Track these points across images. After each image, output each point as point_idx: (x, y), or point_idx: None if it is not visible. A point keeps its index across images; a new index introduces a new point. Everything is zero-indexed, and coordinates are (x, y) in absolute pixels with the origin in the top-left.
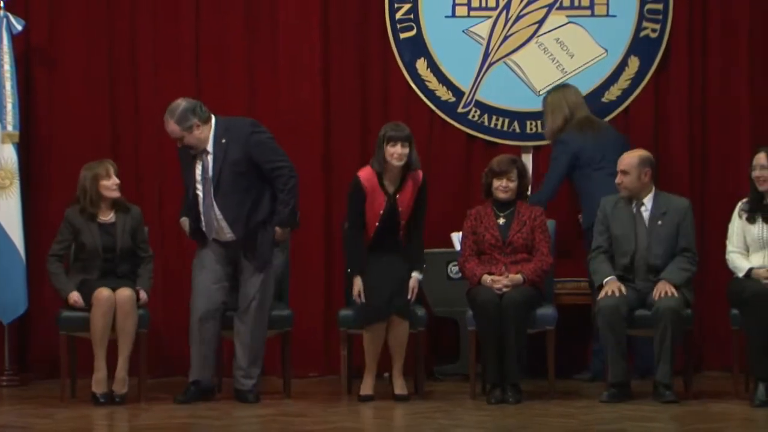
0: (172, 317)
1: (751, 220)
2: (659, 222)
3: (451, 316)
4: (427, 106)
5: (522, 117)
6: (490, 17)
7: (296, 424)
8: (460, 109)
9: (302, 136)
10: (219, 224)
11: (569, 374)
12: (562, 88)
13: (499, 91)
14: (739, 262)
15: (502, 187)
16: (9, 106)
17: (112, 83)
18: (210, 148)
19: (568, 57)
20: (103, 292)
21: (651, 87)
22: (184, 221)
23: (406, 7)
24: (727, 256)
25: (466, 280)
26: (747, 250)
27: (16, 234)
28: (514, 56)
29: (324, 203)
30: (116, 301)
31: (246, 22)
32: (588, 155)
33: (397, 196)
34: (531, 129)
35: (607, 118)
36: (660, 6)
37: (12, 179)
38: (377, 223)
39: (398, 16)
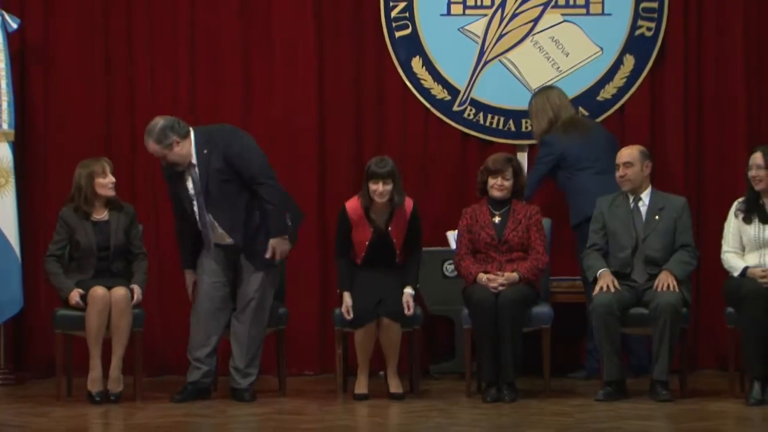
0: (167, 316)
1: (747, 220)
2: (657, 216)
3: (446, 314)
4: (423, 104)
5: (517, 115)
6: (485, 15)
7: (292, 422)
8: (455, 108)
9: (297, 134)
10: (217, 233)
11: (564, 373)
12: (545, 90)
13: (494, 90)
14: (734, 261)
15: (497, 185)
16: (4, 105)
17: (108, 82)
18: (194, 160)
19: (564, 55)
20: (98, 291)
21: (646, 85)
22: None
23: (402, 5)
24: (722, 256)
25: (462, 278)
26: (742, 250)
27: (11, 233)
28: (509, 55)
29: (318, 202)
30: (111, 300)
31: (241, 20)
32: (574, 155)
33: (389, 228)
34: (526, 127)
35: (602, 117)
36: (655, 4)
37: (7, 178)
38: (364, 253)
39: (393, 14)
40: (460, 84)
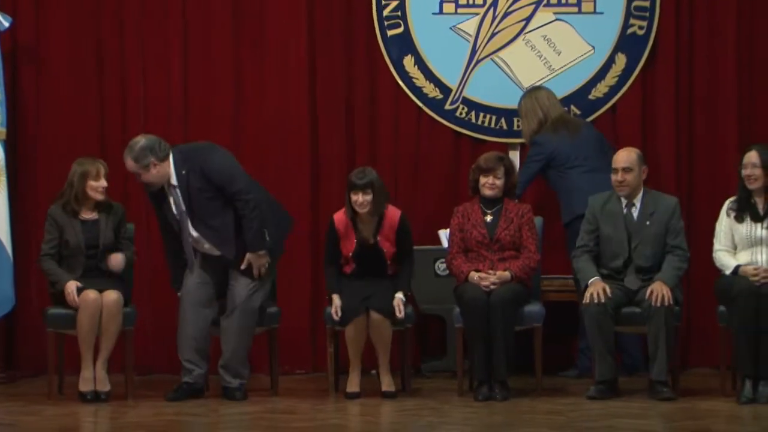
0: (158, 315)
1: (739, 218)
2: (647, 222)
3: (438, 313)
4: (415, 103)
5: (509, 114)
6: (477, 14)
7: (283, 421)
8: (447, 106)
9: (289, 133)
10: (205, 248)
11: (556, 371)
12: (533, 91)
13: (486, 89)
14: (726, 259)
15: (489, 184)
16: None
17: (100, 81)
18: (175, 181)
19: (556, 54)
20: (90, 295)
21: (638, 84)
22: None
23: (394, 4)
24: (714, 255)
25: (454, 277)
26: (734, 249)
27: (3, 231)
28: (501, 53)
29: (311, 201)
30: (102, 303)
31: (233, 19)
32: (564, 154)
33: (378, 238)
34: (518, 126)
35: (594, 116)
36: (647, 3)
37: None
38: (352, 264)
39: (386, 13)
40: (452, 83)
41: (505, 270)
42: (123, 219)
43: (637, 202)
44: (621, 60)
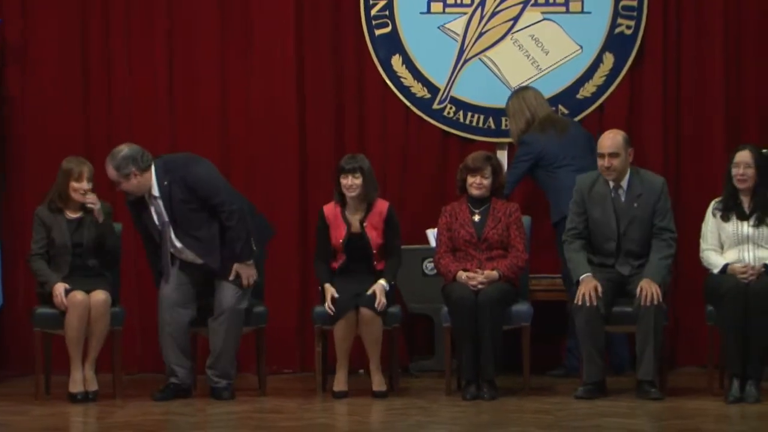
0: (146, 315)
1: (725, 217)
2: (635, 204)
3: (426, 312)
4: (403, 102)
5: (497, 114)
6: (465, 14)
7: (271, 420)
8: (435, 106)
9: (277, 132)
10: (189, 257)
11: (544, 370)
12: (521, 91)
13: (474, 88)
14: (713, 258)
15: (477, 183)
16: None
17: (86, 82)
18: (156, 192)
19: (543, 54)
20: (77, 296)
21: (626, 83)
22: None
23: (381, 3)
24: (701, 255)
25: (441, 276)
26: (721, 248)
27: None
28: (489, 53)
29: (298, 200)
30: (90, 303)
31: (220, 19)
32: (552, 154)
33: (365, 224)
34: (506, 126)
35: (582, 115)
36: (635, 3)
37: None
38: (343, 254)
39: (373, 12)
40: (440, 82)
41: (492, 269)
42: (109, 217)
43: (624, 183)
44: (609, 60)
